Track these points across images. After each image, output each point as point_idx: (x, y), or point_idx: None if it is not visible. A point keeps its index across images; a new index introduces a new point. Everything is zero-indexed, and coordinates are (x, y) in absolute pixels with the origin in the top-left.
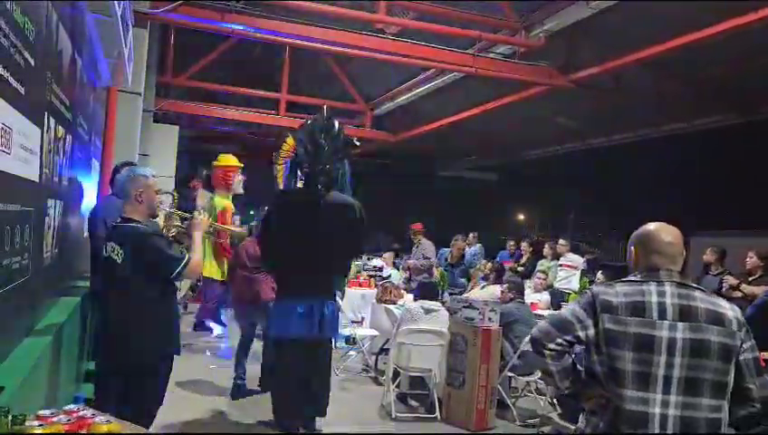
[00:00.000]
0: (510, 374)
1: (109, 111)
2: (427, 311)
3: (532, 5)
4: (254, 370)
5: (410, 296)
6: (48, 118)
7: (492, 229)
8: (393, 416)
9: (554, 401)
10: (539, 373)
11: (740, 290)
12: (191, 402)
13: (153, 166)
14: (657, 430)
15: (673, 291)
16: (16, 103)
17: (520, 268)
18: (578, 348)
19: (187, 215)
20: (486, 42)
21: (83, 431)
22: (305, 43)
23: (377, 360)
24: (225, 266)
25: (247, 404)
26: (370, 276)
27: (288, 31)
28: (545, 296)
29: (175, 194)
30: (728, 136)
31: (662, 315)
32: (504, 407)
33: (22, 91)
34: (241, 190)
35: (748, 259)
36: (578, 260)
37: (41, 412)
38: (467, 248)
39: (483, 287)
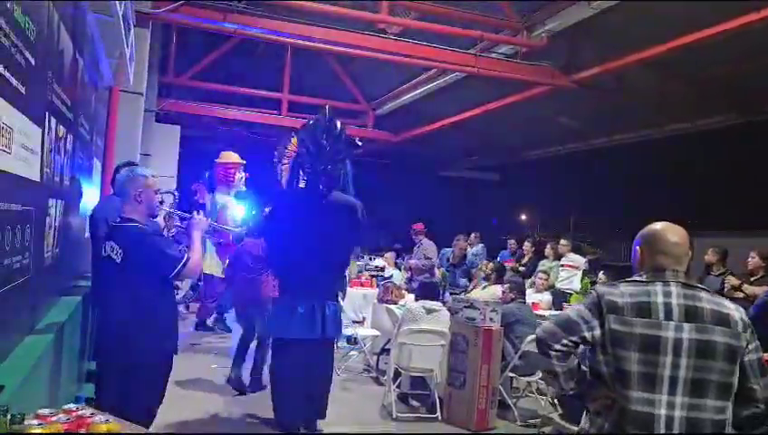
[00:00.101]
0: (511, 374)
1: (110, 110)
2: (429, 311)
3: (533, 5)
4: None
5: (411, 296)
6: (49, 118)
7: (493, 229)
8: (394, 416)
9: (555, 401)
10: (540, 374)
11: (742, 290)
12: (191, 402)
13: (155, 166)
14: (662, 431)
15: (679, 291)
16: (17, 103)
17: (521, 268)
18: (581, 348)
19: (187, 215)
20: (488, 42)
21: (82, 431)
22: (307, 43)
23: (378, 360)
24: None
25: (247, 403)
26: (372, 276)
27: (290, 31)
28: (547, 296)
29: (176, 194)
30: (730, 136)
31: (668, 316)
32: (505, 407)
33: (23, 90)
34: (243, 187)
35: (750, 259)
36: (579, 260)
37: (40, 411)
38: (469, 248)
39: (484, 288)
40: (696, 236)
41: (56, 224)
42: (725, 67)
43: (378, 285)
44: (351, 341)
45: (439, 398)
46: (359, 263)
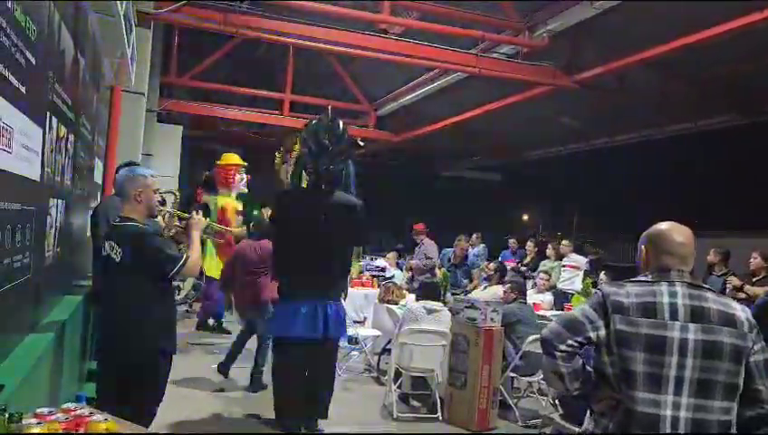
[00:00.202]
0: (512, 375)
1: (112, 110)
2: (429, 311)
3: (535, 5)
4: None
5: (412, 296)
6: (50, 117)
7: (495, 230)
8: (395, 416)
9: (556, 401)
10: (541, 374)
11: (743, 291)
12: (191, 402)
13: (157, 166)
14: (668, 432)
15: (684, 292)
16: (18, 103)
17: (523, 268)
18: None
19: (186, 215)
20: (490, 42)
21: (81, 430)
22: (309, 43)
23: (379, 360)
24: None
25: (248, 403)
26: (373, 276)
27: (291, 31)
28: (548, 297)
29: (177, 193)
30: (732, 136)
31: (674, 316)
32: (506, 407)
33: (23, 90)
34: (244, 189)
35: (752, 260)
36: (581, 261)
37: (39, 411)
38: (470, 249)
39: (485, 288)
40: (698, 237)
41: (57, 224)
42: (727, 67)
43: (379, 286)
44: (352, 341)
45: (440, 398)
46: (360, 263)
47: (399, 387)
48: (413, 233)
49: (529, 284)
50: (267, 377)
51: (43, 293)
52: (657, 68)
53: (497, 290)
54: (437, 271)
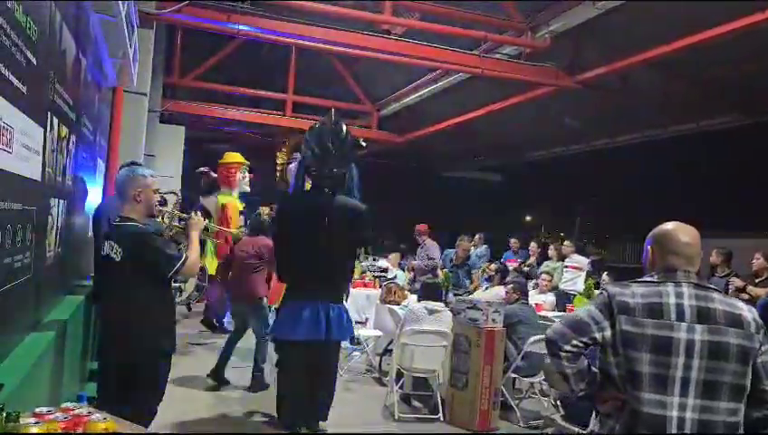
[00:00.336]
0: (514, 375)
1: (114, 111)
2: (431, 312)
3: (537, 6)
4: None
5: (414, 297)
6: (51, 117)
7: (498, 230)
8: (396, 417)
9: (558, 402)
10: (542, 375)
11: (746, 292)
12: (192, 402)
13: (159, 166)
14: (674, 433)
15: (691, 292)
16: (18, 102)
17: (526, 268)
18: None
19: (185, 215)
20: (492, 42)
21: (80, 429)
22: (311, 43)
23: (381, 360)
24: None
25: (248, 403)
26: (375, 277)
27: (294, 31)
28: (550, 298)
29: (178, 194)
30: (735, 137)
31: (680, 317)
32: (507, 408)
33: (24, 90)
34: (247, 188)
35: (754, 261)
36: (583, 261)
37: (37, 410)
38: (473, 250)
39: (486, 289)
40: (701, 238)
41: (59, 224)
42: (730, 67)
43: (381, 286)
44: (354, 341)
45: (441, 399)
46: (362, 263)
47: (401, 388)
48: (415, 233)
49: (531, 284)
50: (268, 376)
51: (44, 293)
52: (660, 68)
53: (499, 291)
54: (439, 272)
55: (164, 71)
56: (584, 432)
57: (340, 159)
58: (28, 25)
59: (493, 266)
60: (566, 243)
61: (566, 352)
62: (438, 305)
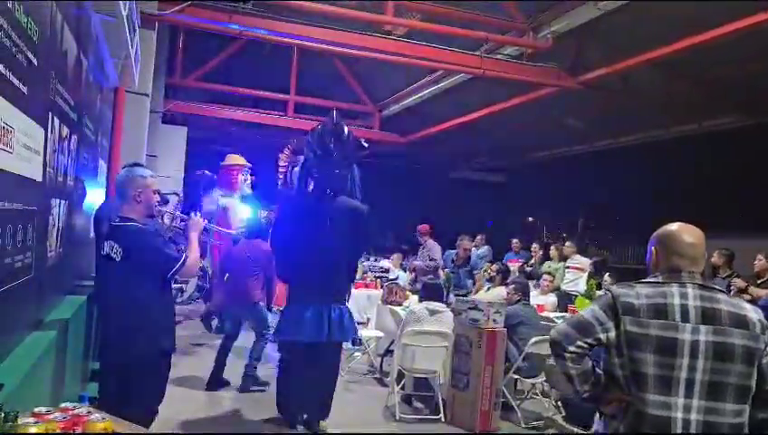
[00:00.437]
0: (515, 376)
1: (116, 111)
2: (432, 312)
3: (539, 6)
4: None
5: (415, 298)
6: (52, 118)
7: (499, 231)
8: (397, 417)
9: (559, 403)
10: (544, 375)
11: (748, 293)
12: (192, 402)
13: (161, 167)
14: (679, 434)
15: (695, 293)
16: (19, 103)
17: (528, 268)
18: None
19: (185, 216)
20: (494, 43)
21: (78, 429)
22: (312, 44)
23: (382, 361)
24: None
25: (248, 403)
26: (377, 278)
27: (295, 32)
28: (552, 298)
29: (180, 194)
30: (738, 138)
31: (685, 318)
32: (508, 409)
33: (24, 90)
34: (248, 191)
35: (757, 262)
36: (585, 262)
37: (36, 410)
38: (475, 250)
39: (488, 289)
40: None
41: (60, 224)
42: (734, 68)
43: (382, 287)
44: (356, 342)
45: (443, 399)
46: (364, 264)
47: (402, 388)
48: (417, 234)
49: (532, 284)
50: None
51: (45, 293)
52: (662, 68)
53: (501, 291)
54: (441, 272)
55: (166, 71)
56: (585, 433)
57: (342, 161)
58: (29, 26)
59: (494, 267)
60: (567, 244)
61: (570, 352)
62: (440, 306)
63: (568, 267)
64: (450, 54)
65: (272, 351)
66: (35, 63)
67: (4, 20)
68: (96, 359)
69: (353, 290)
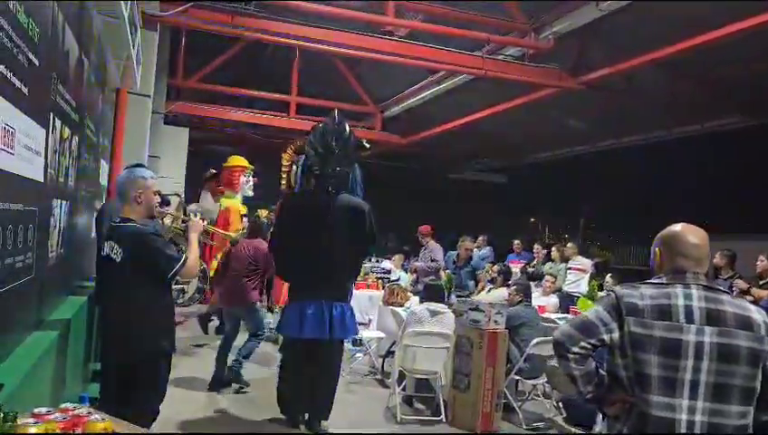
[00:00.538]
0: (516, 377)
1: (118, 112)
2: (433, 313)
3: (541, 6)
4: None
5: (416, 299)
6: (53, 118)
7: (501, 232)
8: (398, 418)
9: (560, 404)
10: (545, 377)
11: (750, 294)
12: (192, 402)
13: (163, 168)
14: None
15: (700, 294)
16: (20, 104)
17: (530, 269)
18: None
19: (185, 218)
20: (495, 44)
21: (78, 430)
22: (314, 45)
23: (383, 362)
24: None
25: (248, 403)
26: (378, 279)
27: (297, 33)
28: (553, 299)
29: (181, 195)
30: (740, 138)
31: (689, 319)
32: (510, 410)
33: (25, 91)
34: (250, 193)
35: (759, 263)
36: (587, 263)
37: (36, 410)
38: (477, 251)
39: (489, 291)
40: None
41: (61, 225)
42: (737, 68)
43: (384, 288)
44: (357, 343)
45: (444, 400)
46: (365, 265)
47: (403, 389)
48: (418, 235)
49: (533, 285)
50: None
51: (46, 293)
52: (665, 69)
53: (502, 292)
54: (442, 273)
55: (168, 72)
56: (587, 434)
57: (343, 159)
58: (30, 27)
59: (495, 268)
60: (569, 245)
61: (574, 353)
62: (441, 307)
63: (569, 268)
64: (452, 55)
65: (273, 351)
66: (36, 64)
67: (4, 21)
68: (97, 360)
69: (354, 291)
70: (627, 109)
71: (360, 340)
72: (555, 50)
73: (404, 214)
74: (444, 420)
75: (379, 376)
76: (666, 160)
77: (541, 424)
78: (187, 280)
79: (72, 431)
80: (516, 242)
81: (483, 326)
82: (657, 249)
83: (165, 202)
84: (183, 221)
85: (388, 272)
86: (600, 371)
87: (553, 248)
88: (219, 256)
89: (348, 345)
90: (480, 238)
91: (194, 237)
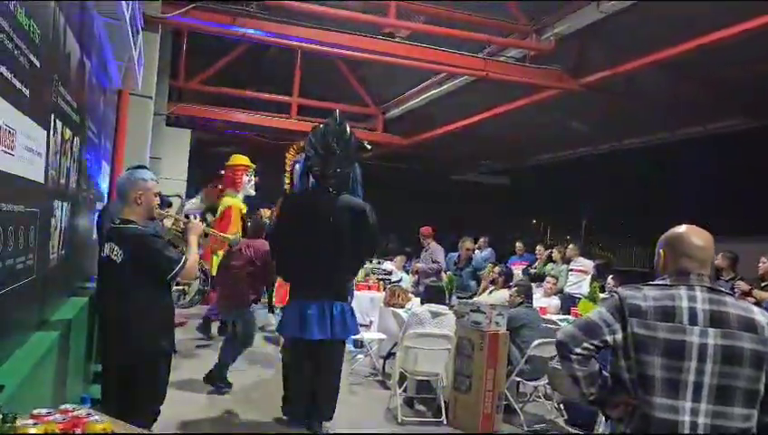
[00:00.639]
0: (517, 379)
1: (119, 114)
2: (434, 315)
3: (542, 7)
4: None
5: (418, 300)
6: (54, 120)
7: (503, 233)
8: (399, 420)
9: (561, 406)
10: (546, 378)
11: (752, 296)
12: (192, 402)
13: (165, 169)
14: None
15: (704, 296)
16: (20, 105)
17: (533, 270)
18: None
19: (185, 219)
20: (497, 45)
21: (78, 431)
22: (316, 46)
23: (384, 363)
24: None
25: (249, 404)
26: (380, 280)
27: (299, 34)
28: (555, 301)
29: (183, 197)
30: (743, 140)
31: (693, 321)
32: (511, 412)
33: (26, 92)
34: (252, 192)
35: (761, 264)
36: (588, 265)
37: (36, 411)
38: (478, 252)
39: (491, 292)
40: None
41: (62, 226)
42: (739, 69)
43: (385, 289)
44: (358, 344)
45: (445, 402)
46: (367, 266)
47: (404, 391)
48: (420, 236)
49: (535, 286)
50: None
51: (47, 294)
52: (666, 70)
53: (503, 294)
54: (443, 274)
55: (170, 74)
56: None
57: (344, 159)
58: (31, 28)
59: (496, 269)
60: (570, 246)
61: (577, 354)
62: (442, 308)
63: (571, 270)
64: (453, 57)
65: (274, 352)
66: (38, 66)
67: (5, 22)
68: (98, 361)
69: (356, 292)
70: (629, 110)
71: (362, 341)
72: (556, 51)
73: (405, 215)
74: (445, 421)
75: (380, 377)
76: (668, 162)
77: (542, 426)
78: (188, 282)
79: (71, 432)
80: (518, 244)
81: (484, 328)
82: (661, 250)
83: (166, 204)
84: (182, 223)
85: (390, 273)
86: (603, 372)
87: (555, 249)
88: (220, 253)
89: (349, 347)
90: (481, 240)
91: (193, 239)
